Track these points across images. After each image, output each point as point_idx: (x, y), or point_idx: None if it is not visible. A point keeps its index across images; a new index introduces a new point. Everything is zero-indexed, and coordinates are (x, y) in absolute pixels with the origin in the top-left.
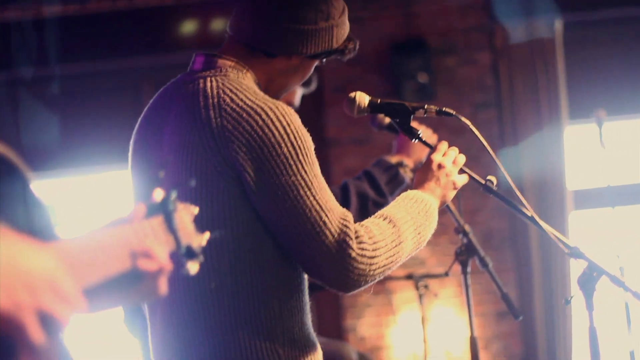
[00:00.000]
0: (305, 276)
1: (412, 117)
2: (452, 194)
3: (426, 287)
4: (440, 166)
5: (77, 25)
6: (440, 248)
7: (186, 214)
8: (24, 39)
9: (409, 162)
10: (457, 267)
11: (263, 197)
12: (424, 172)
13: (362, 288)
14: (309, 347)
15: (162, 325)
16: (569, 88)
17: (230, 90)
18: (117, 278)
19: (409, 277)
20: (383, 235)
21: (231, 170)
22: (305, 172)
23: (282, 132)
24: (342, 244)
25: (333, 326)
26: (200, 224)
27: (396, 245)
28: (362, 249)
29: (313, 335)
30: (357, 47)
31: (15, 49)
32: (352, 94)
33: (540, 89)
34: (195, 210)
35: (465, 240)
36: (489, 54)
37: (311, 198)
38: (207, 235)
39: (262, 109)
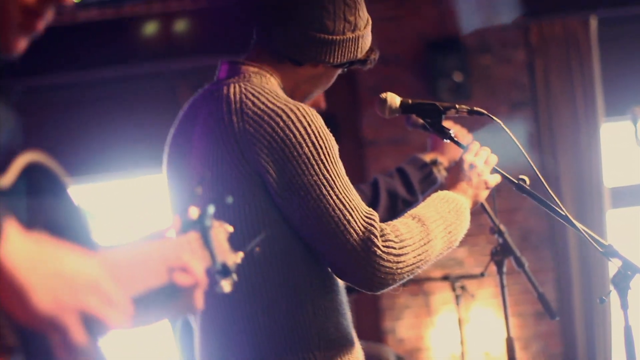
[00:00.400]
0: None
1: (443, 117)
2: (484, 193)
3: (463, 288)
4: (471, 166)
5: (109, 29)
6: (478, 248)
7: (221, 231)
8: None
9: (444, 160)
10: (493, 268)
11: (287, 198)
12: (456, 173)
13: (391, 287)
14: (346, 348)
15: (202, 332)
16: (604, 85)
17: (252, 95)
18: (155, 292)
19: (446, 278)
20: (411, 233)
21: (255, 173)
22: (328, 171)
23: (303, 132)
24: (367, 241)
25: (372, 328)
26: (233, 235)
27: (425, 244)
28: (388, 247)
29: (352, 335)
30: (377, 57)
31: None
32: (383, 95)
33: (575, 86)
34: (230, 228)
35: (500, 240)
36: (524, 52)
37: (334, 197)
38: (241, 254)
39: (283, 110)
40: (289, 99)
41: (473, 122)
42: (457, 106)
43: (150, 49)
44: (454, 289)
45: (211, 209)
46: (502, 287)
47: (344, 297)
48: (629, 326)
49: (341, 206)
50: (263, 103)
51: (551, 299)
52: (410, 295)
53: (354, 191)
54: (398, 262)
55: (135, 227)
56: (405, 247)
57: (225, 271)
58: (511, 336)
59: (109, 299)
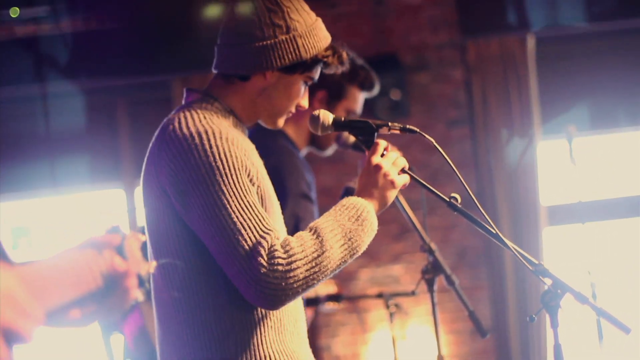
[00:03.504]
0: None
1: (376, 134)
2: (392, 194)
3: (397, 305)
4: (377, 167)
5: (57, 43)
6: (414, 266)
7: (134, 241)
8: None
9: None
10: (425, 286)
11: (189, 219)
12: (362, 175)
13: (290, 301)
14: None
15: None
16: (540, 104)
17: (179, 120)
18: (81, 299)
19: (380, 295)
20: (302, 247)
21: (165, 194)
22: (222, 192)
23: (203, 154)
24: (252, 260)
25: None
26: (151, 248)
27: (318, 256)
28: (274, 264)
29: (281, 350)
30: (343, 56)
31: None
32: (316, 112)
33: (512, 105)
34: (143, 238)
35: (431, 259)
36: (461, 70)
37: (226, 217)
38: (154, 263)
39: (192, 134)
40: (210, 121)
41: (411, 140)
42: (389, 124)
43: (88, 65)
44: (387, 307)
45: (122, 222)
46: (433, 305)
47: (282, 312)
48: (559, 344)
49: (232, 226)
50: (181, 128)
51: (486, 316)
52: (346, 312)
53: (254, 212)
54: (287, 278)
55: (69, 241)
56: (295, 262)
57: (139, 281)
58: (442, 354)
59: (24, 311)
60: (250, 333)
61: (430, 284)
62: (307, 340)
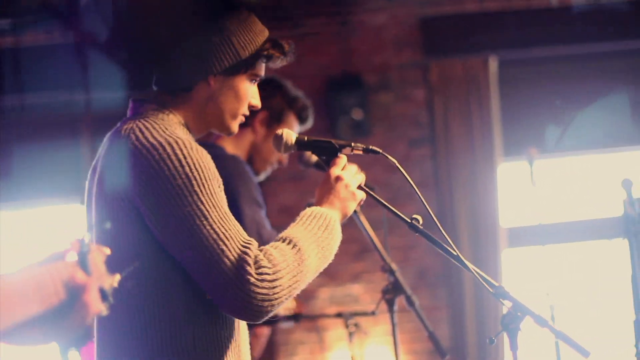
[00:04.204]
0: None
1: (338, 154)
2: (352, 205)
3: (356, 325)
4: (338, 179)
5: (16, 57)
6: (374, 285)
7: (99, 255)
8: None
9: None
10: (385, 306)
11: (162, 230)
12: (322, 187)
13: (271, 313)
14: None
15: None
16: (502, 125)
17: (139, 129)
18: (42, 316)
19: (339, 315)
20: (284, 257)
21: (131, 205)
22: (202, 202)
23: (177, 164)
24: (240, 270)
25: None
26: (110, 260)
27: (299, 265)
28: (262, 273)
29: None
30: (285, 46)
31: None
32: (279, 131)
33: (474, 125)
34: (107, 251)
35: (392, 279)
36: (423, 90)
37: (207, 227)
38: (117, 276)
39: (161, 144)
40: (175, 133)
41: (372, 160)
42: (352, 144)
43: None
44: (347, 326)
45: (87, 236)
46: (393, 325)
47: (230, 331)
48: None
49: (215, 236)
50: (146, 137)
51: (445, 337)
52: (304, 331)
53: (231, 222)
54: (274, 287)
55: (29, 257)
56: (279, 270)
57: (102, 295)
58: None
59: None
60: (210, 353)
61: (390, 304)
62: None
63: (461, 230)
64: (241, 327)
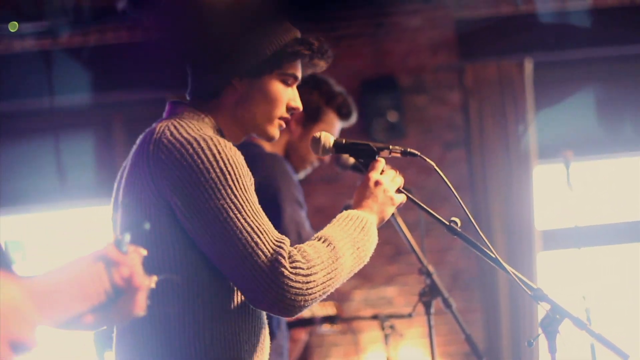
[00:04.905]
0: (249, 309)
1: (376, 157)
2: (390, 210)
3: (392, 327)
4: (377, 183)
5: (48, 58)
6: (408, 288)
7: (136, 256)
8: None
9: None
10: (422, 308)
11: (195, 224)
12: (362, 190)
13: (304, 309)
14: None
15: (116, 350)
16: (537, 128)
17: (174, 126)
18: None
19: (375, 317)
20: (318, 253)
21: (163, 200)
22: (235, 196)
23: (212, 159)
24: (274, 262)
25: None
26: (146, 261)
27: (333, 262)
28: (296, 267)
29: None
30: (315, 44)
31: None
32: (317, 134)
33: (509, 128)
34: (144, 252)
35: (428, 281)
36: (458, 93)
37: (242, 220)
38: (155, 278)
39: (195, 139)
40: (208, 132)
41: (407, 162)
42: (390, 147)
43: (85, 80)
44: (383, 328)
45: (127, 236)
46: (430, 327)
47: (252, 330)
48: None
49: (249, 229)
50: (180, 133)
51: (479, 340)
52: (339, 333)
53: (264, 218)
54: (308, 282)
55: (67, 257)
56: (314, 266)
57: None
58: None
59: (29, 322)
60: (228, 352)
61: (427, 307)
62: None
63: (496, 233)
64: (263, 333)
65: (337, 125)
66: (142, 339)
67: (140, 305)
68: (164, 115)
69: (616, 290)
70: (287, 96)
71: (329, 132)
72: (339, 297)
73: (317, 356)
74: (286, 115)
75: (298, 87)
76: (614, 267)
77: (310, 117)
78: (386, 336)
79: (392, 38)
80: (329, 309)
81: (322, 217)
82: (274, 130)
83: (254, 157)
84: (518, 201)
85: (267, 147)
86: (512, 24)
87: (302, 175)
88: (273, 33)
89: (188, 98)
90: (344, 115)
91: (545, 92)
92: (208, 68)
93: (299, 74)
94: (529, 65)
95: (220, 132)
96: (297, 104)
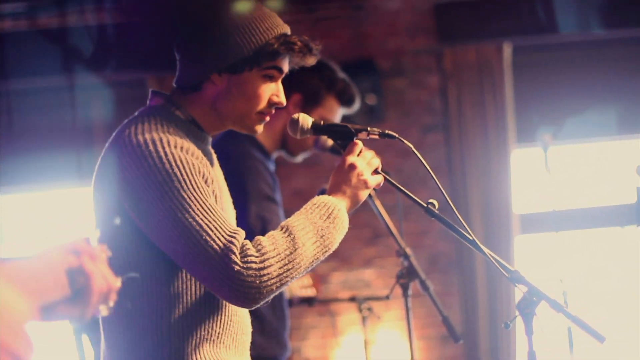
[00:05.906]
0: (212, 300)
1: (354, 139)
2: (364, 193)
3: (369, 309)
4: (352, 166)
5: (21, 40)
6: (386, 270)
7: (102, 255)
8: None
9: None
10: (399, 290)
11: (147, 226)
12: (336, 174)
13: (265, 299)
14: None
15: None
16: (516, 112)
17: (135, 125)
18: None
19: (353, 299)
20: (274, 245)
21: (117, 203)
22: (182, 197)
23: (158, 162)
24: (224, 259)
25: None
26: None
27: (291, 253)
28: (248, 262)
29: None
30: (294, 43)
31: None
32: (296, 115)
33: (487, 112)
34: (109, 252)
35: (406, 264)
36: (437, 76)
37: (190, 219)
38: (119, 279)
39: (145, 141)
40: (166, 131)
41: (385, 145)
42: (368, 129)
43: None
44: (360, 310)
45: (96, 233)
46: (407, 310)
47: (221, 326)
48: (533, 352)
49: (198, 227)
50: (136, 133)
51: (457, 323)
52: (317, 315)
53: (216, 214)
54: (261, 276)
55: (53, 239)
56: (268, 259)
57: (105, 295)
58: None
59: (21, 332)
60: (185, 343)
61: (405, 289)
62: (247, 355)
63: (474, 217)
64: (239, 319)
65: (338, 111)
66: (109, 333)
67: (107, 303)
68: (147, 102)
69: (593, 273)
70: (270, 91)
71: (328, 118)
72: (316, 278)
73: (295, 338)
74: (268, 110)
75: (298, 70)
76: (591, 251)
77: (309, 101)
78: (364, 318)
79: (371, 21)
80: (306, 281)
81: (301, 200)
82: (255, 125)
83: (222, 158)
84: (496, 185)
85: (261, 134)
86: (491, 8)
87: (299, 159)
88: (254, 30)
89: (174, 85)
90: (345, 102)
91: (523, 77)
92: (189, 61)
93: (285, 67)
94: (507, 50)
95: (194, 123)
96: (281, 99)
